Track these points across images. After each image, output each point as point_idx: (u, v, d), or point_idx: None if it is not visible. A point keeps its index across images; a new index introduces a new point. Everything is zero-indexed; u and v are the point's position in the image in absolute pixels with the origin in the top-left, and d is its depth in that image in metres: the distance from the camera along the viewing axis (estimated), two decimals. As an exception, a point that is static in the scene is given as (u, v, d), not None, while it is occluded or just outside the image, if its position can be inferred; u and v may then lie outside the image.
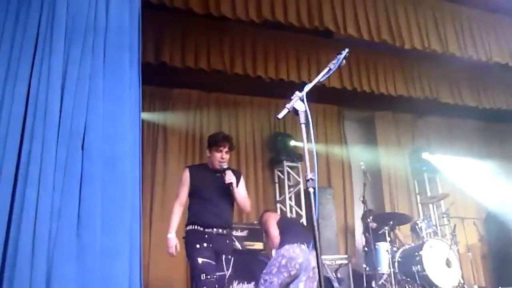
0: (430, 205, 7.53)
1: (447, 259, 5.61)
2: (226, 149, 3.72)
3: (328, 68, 2.40)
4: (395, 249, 5.98)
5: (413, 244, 6.00)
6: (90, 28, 2.46)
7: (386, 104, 7.34)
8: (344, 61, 2.46)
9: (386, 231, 5.84)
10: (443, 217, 7.09)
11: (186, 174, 3.76)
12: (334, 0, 4.95)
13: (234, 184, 3.60)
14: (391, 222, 6.01)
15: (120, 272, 2.21)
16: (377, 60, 6.23)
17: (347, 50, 2.41)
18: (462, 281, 5.65)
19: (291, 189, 6.79)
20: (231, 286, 4.54)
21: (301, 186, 6.65)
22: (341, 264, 5.73)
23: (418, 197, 7.71)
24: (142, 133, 6.21)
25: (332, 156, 7.20)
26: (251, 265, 4.93)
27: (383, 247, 5.87)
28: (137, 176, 2.43)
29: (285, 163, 6.58)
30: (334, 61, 2.42)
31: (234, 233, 4.96)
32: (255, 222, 5.55)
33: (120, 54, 2.51)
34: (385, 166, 7.46)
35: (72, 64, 2.35)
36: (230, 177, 3.60)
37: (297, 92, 2.30)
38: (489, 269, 7.29)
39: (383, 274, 5.79)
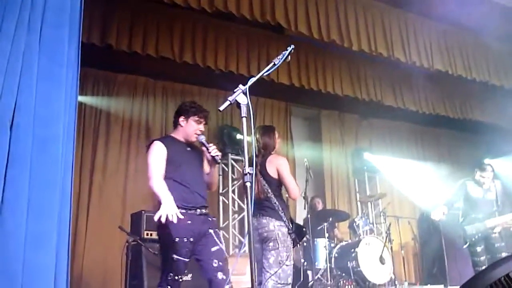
0: (369, 204, 7.80)
1: (381, 256, 5.84)
2: (204, 122, 3.36)
3: (272, 63, 2.40)
4: (332, 245, 6.16)
5: (350, 241, 6.20)
6: (27, 3, 2.32)
7: (333, 104, 7.50)
8: (289, 57, 2.46)
9: (325, 227, 5.99)
10: (380, 215, 7.36)
11: (160, 145, 3.25)
12: (287, -4, 4.97)
13: (219, 158, 3.27)
14: (330, 219, 6.18)
15: (45, 261, 2.11)
16: (326, 59, 6.33)
17: (292, 46, 2.42)
18: (393, 277, 5.91)
19: (235, 182, 6.79)
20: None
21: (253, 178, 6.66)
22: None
23: (358, 195, 7.97)
24: (83, 118, 6.03)
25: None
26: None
27: (321, 243, 6.02)
28: (70, 161, 2.33)
29: (230, 156, 6.57)
30: (279, 57, 2.42)
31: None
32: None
33: (58, 32, 2.39)
34: (328, 164, 7.63)
35: (4, 39, 2.21)
36: (216, 150, 3.28)
37: (240, 86, 2.28)
38: (420, 266, 7.64)
39: (320, 269, 5.95)
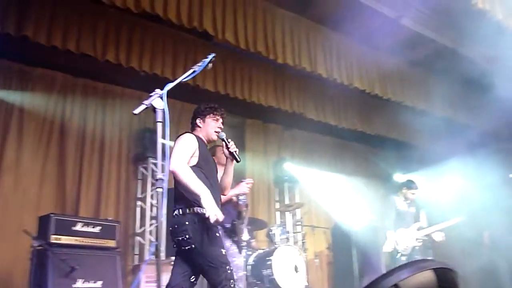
0: (287, 213, 7.97)
1: (296, 265, 5.99)
2: (221, 119, 3.39)
3: (192, 70, 2.40)
4: (250, 253, 6.21)
5: (266, 249, 6.29)
6: None
7: (257, 113, 7.61)
8: (210, 65, 2.48)
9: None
10: (297, 225, 7.56)
11: (193, 139, 3.13)
12: (216, 4, 4.99)
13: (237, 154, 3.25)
14: (249, 227, 6.23)
15: None
16: (252, 69, 6.41)
17: (213, 55, 2.45)
18: (307, 285, 6.07)
19: (154, 187, 6.65)
20: (74, 284, 4.32)
21: (165, 185, 6.54)
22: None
23: (278, 204, 8.13)
24: (-9, 112, 5.59)
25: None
26: (101, 264, 4.70)
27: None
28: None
29: (150, 160, 6.42)
30: (199, 64, 2.43)
31: (86, 228, 4.69)
32: (110, 218, 5.34)
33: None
34: (250, 172, 7.69)
35: None
36: (234, 146, 3.28)
37: (157, 90, 2.25)
38: (333, 275, 7.92)
39: (236, 276, 5.96)
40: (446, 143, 7.34)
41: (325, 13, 5.82)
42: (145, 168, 6.57)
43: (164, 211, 6.18)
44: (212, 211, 2.78)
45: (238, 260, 4.03)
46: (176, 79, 2.54)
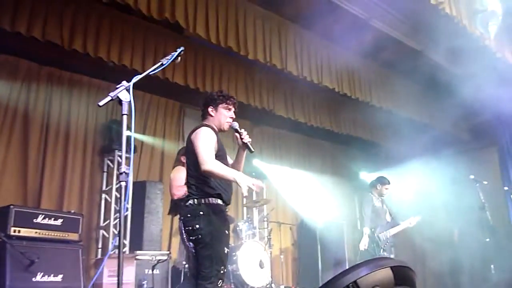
0: (254, 209, 8.00)
1: (261, 260, 6.04)
2: (233, 108, 3.34)
3: (160, 63, 2.37)
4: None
5: (232, 245, 6.31)
6: None
7: (228, 108, 7.58)
8: (179, 58, 2.45)
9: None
10: (263, 221, 7.60)
11: (212, 132, 3.17)
12: (188, -4, 4.93)
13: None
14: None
15: None
16: (223, 64, 6.37)
17: (182, 48, 2.42)
18: (271, 281, 6.13)
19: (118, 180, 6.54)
20: (34, 278, 4.21)
21: (131, 178, 6.45)
22: (160, 260, 5.71)
23: (245, 200, 8.13)
24: None
25: (168, 151, 7.14)
26: (62, 257, 4.61)
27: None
28: None
29: (117, 153, 6.31)
30: (167, 57, 2.40)
31: (47, 221, 4.58)
32: (73, 211, 5.23)
33: None
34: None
35: None
36: (247, 136, 3.26)
37: (124, 82, 2.21)
38: (297, 271, 8.02)
39: (201, 271, 5.96)
40: (411, 143, 7.52)
41: (297, 11, 5.84)
42: (111, 161, 6.46)
43: (128, 205, 6.12)
44: (253, 183, 2.89)
45: None
46: (145, 71, 2.50)
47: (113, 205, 6.28)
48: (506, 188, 6.50)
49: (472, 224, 7.29)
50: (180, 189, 4.53)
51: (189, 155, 3.21)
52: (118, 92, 2.15)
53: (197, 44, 5.95)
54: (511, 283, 6.95)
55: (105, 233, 6.19)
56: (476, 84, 6.71)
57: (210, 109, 3.32)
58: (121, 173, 2.09)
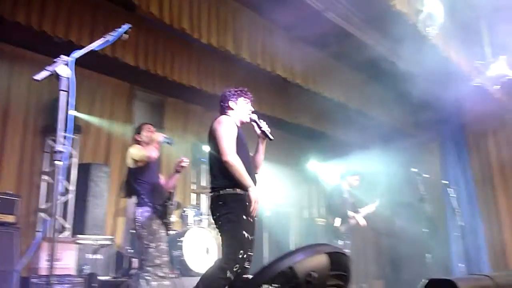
0: (203, 195, 7.95)
1: (207, 247, 6.02)
2: (250, 102, 3.53)
3: (105, 39, 2.26)
4: (161, 233, 6.14)
5: (179, 230, 6.25)
6: None
7: (179, 92, 7.45)
8: (126, 36, 2.35)
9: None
10: (212, 207, 7.55)
11: (234, 124, 3.31)
12: (141, -27, 4.76)
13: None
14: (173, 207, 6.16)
15: None
16: (176, 47, 6.23)
17: (128, 25, 2.32)
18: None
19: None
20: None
21: (75, 160, 6.24)
22: (103, 244, 5.58)
23: (194, 186, 8.07)
24: None
25: (116, 134, 6.95)
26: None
27: (149, 231, 5.95)
28: None
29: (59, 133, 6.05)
30: (112, 33, 2.30)
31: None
32: (9, 192, 4.98)
33: None
34: (168, 152, 7.54)
35: None
36: (266, 125, 3.40)
37: (63, 56, 2.09)
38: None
39: (145, 257, 5.88)
40: (359, 135, 7.71)
41: (254, -3, 5.80)
42: (54, 141, 6.18)
43: (71, 187, 5.91)
44: (256, 205, 3.06)
45: (164, 245, 4.00)
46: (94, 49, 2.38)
47: (54, 187, 6.03)
48: (444, 181, 6.80)
49: (411, 215, 7.61)
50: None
51: (211, 145, 3.34)
52: (56, 66, 2.04)
53: (150, 25, 5.78)
54: (444, 271, 7.34)
55: (45, 216, 5.95)
56: (423, 81, 6.96)
57: (231, 103, 3.45)
58: (55, 152, 1.99)
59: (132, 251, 5.88)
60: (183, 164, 4.10)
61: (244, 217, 3.11)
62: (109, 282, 5.42)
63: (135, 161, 4.08)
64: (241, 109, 3.45)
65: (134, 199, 4.11)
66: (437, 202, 7.80)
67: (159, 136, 4.22)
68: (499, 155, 7.98)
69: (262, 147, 3.52)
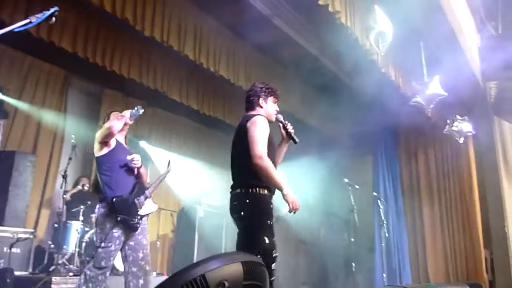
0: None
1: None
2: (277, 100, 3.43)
3: (28, 20, 2.09)
4: (87, 229, 5.89)
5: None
6: None
7: (118, 84, 7.20)
8: (53, 19, 2.20)
9: (82, 210, 5.71)
10: (143, 205, 7.34)
11: (268, 125, 3.14)
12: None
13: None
14: (89, 202, 5.91)
15: None
16: (118, 37, 6.01)
17: (55, 8, 2.16)
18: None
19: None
20: None
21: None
22: (21, 238, 5.25)
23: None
24: None
25: (46, 122, 6.59)
26: None
27: (75, 226, 5.72)
28: None
29: (-18, 116, 5.67)
30: (38, 15, 2.13)
31: None
32: None
33: None
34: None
35: None
36: (291, 127, 3.34)
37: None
38: (173, 259, 7.92)
39: (67, 253, 5.63)
40: (298, 144, 7.79)
41: (201, -4, 5.73)
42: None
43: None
44: (295, 205, 2.98)
45: (116, 246, 3.55)
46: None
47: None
48: (374, 193, 7.04)
49: (341, 225, 7.81)
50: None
51: (241, 142, 3.13)
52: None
53: (91, 11, 5.54)
54: (368, 281, 7.59)
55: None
56: (361, 95, 7.17)
57: (260, 100, 3.31)
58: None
59: (53, 246, 5.60)
60: (133, 163, 3.71)
61: (268, 222, 3.06)
62: (26, 278, 5.10)
63: (101, 146, 3.68)
64: (270, 108, 3.32)
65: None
66: (367, 213, 8.08)
67: (126, 113, 3.80)
68: (427, 171, 8.38)
69: (283, 148, 3.44)
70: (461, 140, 7.00)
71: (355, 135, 9.22)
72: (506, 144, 8.35)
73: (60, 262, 5.43)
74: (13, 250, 5.21)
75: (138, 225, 3.66)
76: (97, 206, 3.65)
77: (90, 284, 3.36)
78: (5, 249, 5.19)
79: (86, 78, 7.21)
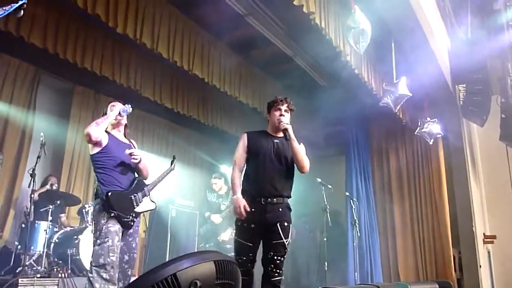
0: (107, 192, 7.58)
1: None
2: (284, 107, 3.60)
3: (-7, 12, 2.02)
4: (56, 229, 5.76)
5: (75, 227, 5.90)
6: None
7: (90, 82, 7.07)
8: (21, 12, 2.13)
9: (50, 210, 5.57)
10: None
11: (243, 136, 3.72)
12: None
13: (290, 130, 3.48)
14: (58, 202, 5.77)
15: None
16: (89, 33, 5.87)
17: (24, 1, 2.09)
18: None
19: None
20: None
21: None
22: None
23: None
24: None
25: (14, 119, 6.41)
26: None
27: (43, 226, 5.57)
28: None
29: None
30: (5, 7, 2.06)
31: None
32: None
33: None
34: (71, 144, 7.12)
35: None
36: (284, 124, 3.51)
37: None
38: (145, 259, 7.80)
39: (35, 253, 5.48)
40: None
41: (176, -6, 5.67)
42: None
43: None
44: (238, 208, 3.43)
45: (112, 242, 3.38)
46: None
47: None
48: (347, 193, 7.11)
49: (314, 224, 7.85)
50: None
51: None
52: None
53: (62, 7, 5.42)
54: (340, 279, 7.66)
55: None
56: (334, 96, 7.25)
57: (267, 115, 3.77)
58: None
59: (20, 246, 5.44)
60: (133, 158, 3.62)
61: (239, 224, 3.51)
62: (-9, 280, 4.95)
63: (92, 145, 3.56)
64: (273, 118, 3.68)
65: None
66: (340, 212, 8.15)
67: (115, 110, 3.75)
68: (398, 172, 8.53)
69: (291, 147, 3.55)
70: (431, 142, 7.16)
71: (328, 136, 9.31)
72: (474, 145, 8.59)
73: (27, 263, 5.27)
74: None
75: (132, 223, 3.55)
76: (94, 202, 3.55)
77: (97, 285, 3.22)
78: (-31, 250, 5.03)
79: (57, 75, 7.04)
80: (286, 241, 3.41)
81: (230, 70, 6.79)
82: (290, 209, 3.56)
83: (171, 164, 4.39)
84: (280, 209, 3.46)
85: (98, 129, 3.52)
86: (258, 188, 3.47)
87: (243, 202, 3.40)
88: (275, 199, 3.44)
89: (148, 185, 3.87)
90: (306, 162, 3.56)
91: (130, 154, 3.63)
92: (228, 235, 6.21)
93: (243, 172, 3.64)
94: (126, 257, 3.57)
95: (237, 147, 3.66)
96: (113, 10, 5.01)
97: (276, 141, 3.60)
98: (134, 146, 3.91)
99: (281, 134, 3.61)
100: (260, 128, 3.84)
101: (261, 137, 3.65)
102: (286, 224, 3.45)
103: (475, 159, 8.52)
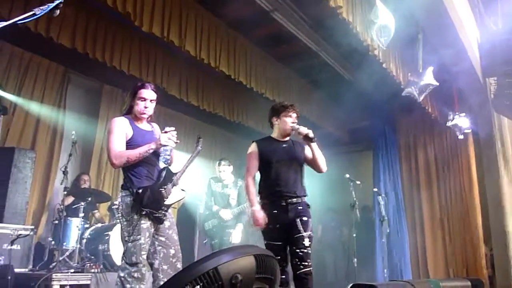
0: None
1: (135, 242, 5.80)
2: (295, 115, 3.79)
3: (32, 13, 2.06)
4: (87, 226, 5.87)
5: (106, 223, 6.00)
6: None
7: (118, 81, 7.17)
8: (57, 11, 2.16)
9: (82, 207, 5.68)
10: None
11: (253, 147, 3.89)
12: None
13: (311, 133, 3.58)
14: (89, 199, 5.88)
15: None
16: (117, 32, 5.95)
17: (60, 0, 2.13)
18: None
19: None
20: None
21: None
22: (22, 235, 5.22)
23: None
24: None
25: (45, 118, 6.56)
26: None
27: (75, 223, 5.68)
28: None
29: (-18, 114, 5.63)
30: (43, 7, 2.10)
31: None
32: None
33: None
34: (100, 142, 7.25)
35: None
36: (305, 128, 3.62)
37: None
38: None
39: (68, 249, 5.60)
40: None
41: (200, -10, 5.69)
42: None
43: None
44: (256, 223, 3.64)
45: (145, 239, 3.24)
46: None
47: (-29, 171, 5.59)
48: (375, 189, 7.03)
49: (342, 220, 7.78)
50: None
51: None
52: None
53: (90, 6, 5.51)
54: (369, 276, 7.59)
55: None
56: (361, 90, 7.16)
57: (273, 119, 3.88)
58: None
59: (53, 242, 5.57)
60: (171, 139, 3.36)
61: (269, 226, 3.63)
62: (26, 274, 5.07)
63: None
64: (283, 123, 3.81)
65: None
66: (368, 208, 8.08)
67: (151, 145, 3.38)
68: (427, 167, 8.39)
69: (311, 149, 3.73)
70: (461, 136, 7.01)
71: (354, 131, 9.22)
72: (505, 140, 8.36)
73: (60, 259, 5.40)
74: (13, 247, 5.17)
75: (164, 217, 3.36)
76: (121, 194, 3.32)
77: (128, 286, 3.09)
78: (5, 246, 5.17)
79: (86, 74, 7.17)
80: (307, 234, 3.53)
81: (256, 66, 6.79)
82: (309, 206, 3.72)
83: (197, 145, 3.91)
84: (300, 207, 3.64)
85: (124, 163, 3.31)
86: (276, 192, 3.63)
87: (262, 214, 3.58)
88: (294, 199, 3.63)
89: (177, 173, 3.61)
90: (325, 162, 3.80)
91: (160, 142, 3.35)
92: (239, 234, 5.44)
93: (258, 180, 3.81)
94: (172, 251, 3.37)
95: (248, 157, 3.82)
96: (140, 10, 5.05)
97: (284, 145, 3.79)
98: (156, 131, 3.67)
99: (287, 138, 3.84)
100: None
101: (270, 144, 3.82)
102: (305, 218, 3.60)
103: (507, 155, 8.29)
